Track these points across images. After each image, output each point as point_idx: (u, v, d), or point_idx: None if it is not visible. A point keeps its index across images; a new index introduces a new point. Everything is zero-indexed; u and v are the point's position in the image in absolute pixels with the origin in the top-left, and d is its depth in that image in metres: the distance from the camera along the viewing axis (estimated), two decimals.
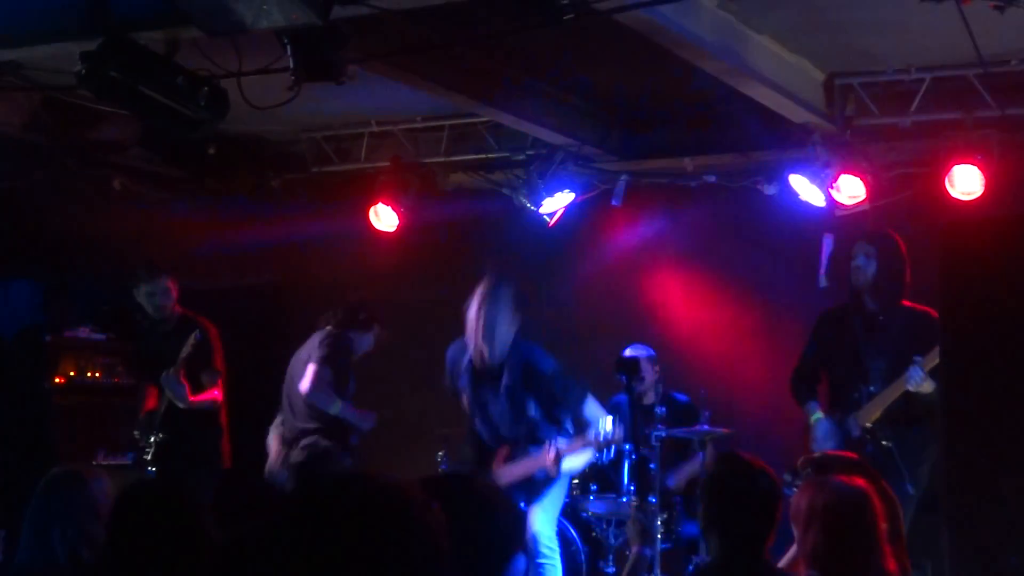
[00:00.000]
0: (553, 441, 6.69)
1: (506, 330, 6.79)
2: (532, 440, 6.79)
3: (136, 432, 8.00)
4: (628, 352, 8.31)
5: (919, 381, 6.61)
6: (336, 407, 7.52)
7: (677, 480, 7.95)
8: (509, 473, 6.82)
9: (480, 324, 6.77)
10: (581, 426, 6.77)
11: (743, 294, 8.73)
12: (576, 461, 6.75)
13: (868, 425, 6.84)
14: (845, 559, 4.12)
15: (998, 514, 5.71)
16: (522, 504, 6.76)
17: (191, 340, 7.72)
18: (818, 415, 7.04)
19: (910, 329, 6.81)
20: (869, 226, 7.51)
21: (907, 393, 6.73)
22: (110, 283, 9.80)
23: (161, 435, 7.83)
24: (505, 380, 6.80)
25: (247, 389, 8.31)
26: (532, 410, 6.81)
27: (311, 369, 7.50)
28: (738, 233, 8.80)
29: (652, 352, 8.31)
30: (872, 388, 6.86)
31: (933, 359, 6.47)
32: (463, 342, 6.99)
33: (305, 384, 7.50)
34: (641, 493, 7.57)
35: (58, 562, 4.34)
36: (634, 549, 4.61)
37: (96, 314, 9.64)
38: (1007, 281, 5.87)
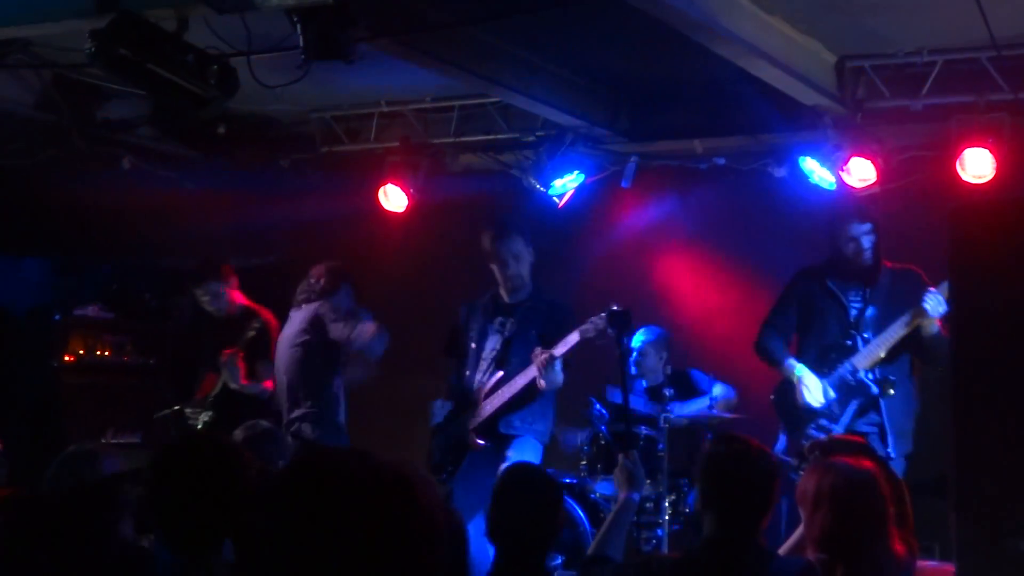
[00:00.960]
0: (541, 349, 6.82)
1: (527, 256, 7.09)
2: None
3: (188, 410, 8.15)
4: (640, 335, 8.33)
5: (936, 305, 6.61)
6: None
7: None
8: (499, 397, 6.90)
9: (505, 256, 7.05)
10: None
11: (752, 277, 8.70)
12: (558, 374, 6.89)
13: (866, 368, 6.86)
14: (853, 541, 4.13)
15: (1007, 497, 5.71)
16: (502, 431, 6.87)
17: (254, 324, 7.98)
18: (801, 367, 7.05)
19: (897, 283, 6.95)
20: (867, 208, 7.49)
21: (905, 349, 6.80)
22: (119, 262, 9.83)
23: (211, 414, 7.98)
24: (521, 314, 7.07)
25: None
26: (535, 340, 6.98)
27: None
28: (747, 216, 8.79)
29: (661, 332, 8.33)
30: (866, 334, 6.93)
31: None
32: (475, 301, 7.30)
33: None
34: (649, 474, 7.59)
35: None
36: (621, 496, 4.59)
37: (105, 293, 9.66)
38: (1018, 264, 5.85)
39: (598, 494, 7.73)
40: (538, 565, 4.27)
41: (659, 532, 7.58)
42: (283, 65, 5.94)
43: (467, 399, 7.16)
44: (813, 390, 6.98)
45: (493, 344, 7.15)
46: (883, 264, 7.08)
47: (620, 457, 4.72)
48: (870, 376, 6.87)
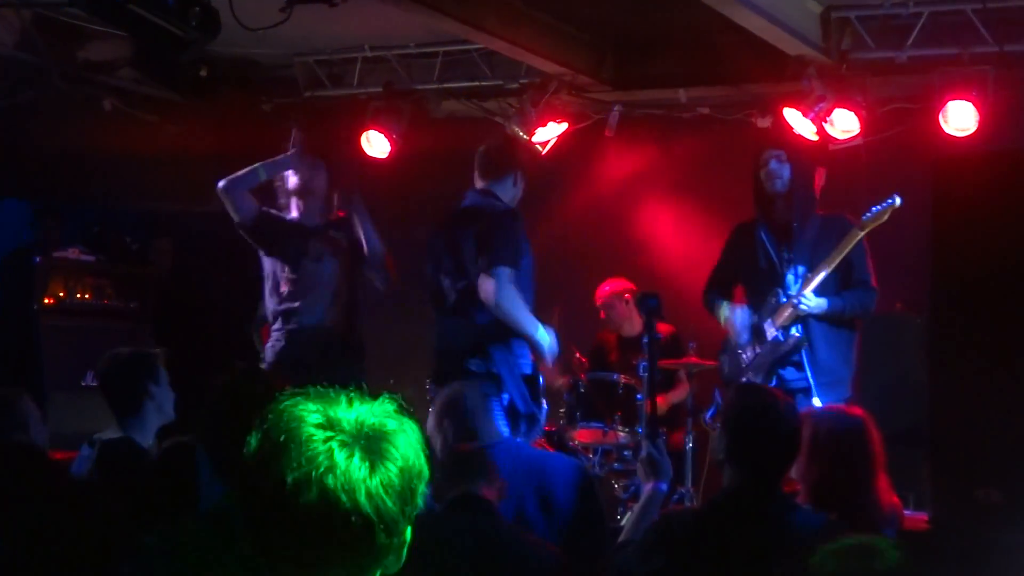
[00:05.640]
0: None
1: None
2: None
3: None
4: (607, 288, 8.38)
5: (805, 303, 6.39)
6: None
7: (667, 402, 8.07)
8: None
9: None
10: None
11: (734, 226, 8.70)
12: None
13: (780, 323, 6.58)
14: (844, 489, 4.15)
15: (981, 448, 5.77)
16: None
17: None
18: (727, 308, 6.81)
19: (823, 234, 6.59)
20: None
21: None
22: (100, 204, 9.78)
23: None
24: None
25: (232, 312, 8.28)
26: None
27: None
28: (731, 165, 8.76)
29: (629, 285, 8.40)
30: (791, 293, 6.55)
31: (816, 275, 6.36)
32: None
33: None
34: (627, 422, 7.63)
35: None
36: (648, 487, 4.49)
37: (86, 235, 9.62)
38: (998, 217, 5.89)
39: (577, 442, 7.77)
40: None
41: (637, 480, 7.62)
42: (266, 7, 5.89)
43: None
44: (739, 326, 6.71)
45: None
46: (815, 214, 6.71)
47: (644, 446, 4.57)
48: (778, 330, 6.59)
